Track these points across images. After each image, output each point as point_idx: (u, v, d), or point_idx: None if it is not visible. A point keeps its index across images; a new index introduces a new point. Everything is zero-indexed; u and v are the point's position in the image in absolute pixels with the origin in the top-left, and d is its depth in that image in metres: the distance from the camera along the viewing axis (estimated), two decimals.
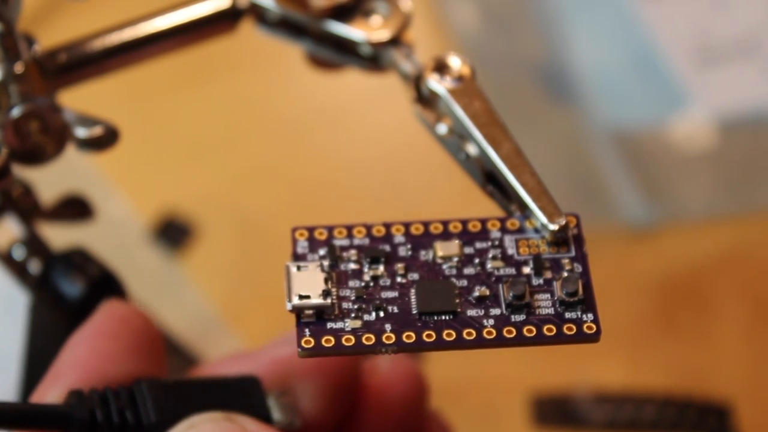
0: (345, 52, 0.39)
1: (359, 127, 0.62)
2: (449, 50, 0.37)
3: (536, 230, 0.32)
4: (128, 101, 0.60)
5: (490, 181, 0.34)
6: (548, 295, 0.31)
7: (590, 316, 0.31)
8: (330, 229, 0.32)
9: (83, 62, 0.37)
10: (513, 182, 0.33)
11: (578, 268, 0.31)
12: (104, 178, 0.56)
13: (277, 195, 0.59)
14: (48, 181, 0.40)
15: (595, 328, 0.31)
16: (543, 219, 0.32)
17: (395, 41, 0.38)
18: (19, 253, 0.40)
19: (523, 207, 0.33)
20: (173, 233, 0.58)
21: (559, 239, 0.32)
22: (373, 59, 0.39)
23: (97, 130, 0.37)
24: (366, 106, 0.58)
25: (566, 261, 0.32)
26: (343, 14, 0.38)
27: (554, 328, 0.31)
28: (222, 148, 0.62)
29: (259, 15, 0.39)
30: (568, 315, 0.31)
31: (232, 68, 0.64)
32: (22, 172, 0.39)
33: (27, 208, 0.39)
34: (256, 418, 0.32)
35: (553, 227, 0.32)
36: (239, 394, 0.33)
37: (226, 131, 0.62)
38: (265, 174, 0.61)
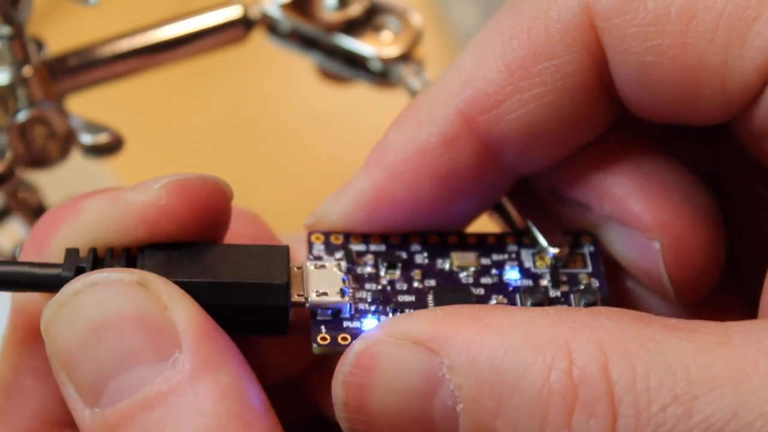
0: (355, 66, 0.39)
1: (360, 129, 0.62)
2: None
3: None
4: (130, 102, 0.60)
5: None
6: (566, 306, 0.31)
7: None
8: (346, 236, 0.32)
9: (92, 68, 0.37)
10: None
11: (595, 283, 0.31)
12: (109, 180, 0.56)
13: (277, 196, 0.59)
14: (53, 183, 0.40)
15: None
16: (543, 242, 0.32)
17: (405, 57, 0.38)
18: None
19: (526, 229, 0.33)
20: None
21: (568, 260, 0.31)
22: (383, 74, 0.39)
23: (102, 138, 0.37)
24: (368, 109, 0.58)
25: (583, 276, 0.31)
26: (353, 29, 0.38)
27: None
28: (223, 149, 0.62)
29: (270, 26, 0.39)
30: None
31: (234, 70, 0.64)
32: (28, 174, 0.39)
33: (32, 209, 0.39)
34: (266, 288, 0.29)
35: (554, 251, 0.32)
36: (257, 263, 0.30)
37: (227, 132, 0.62)
38: (265, 175, 0.60)
